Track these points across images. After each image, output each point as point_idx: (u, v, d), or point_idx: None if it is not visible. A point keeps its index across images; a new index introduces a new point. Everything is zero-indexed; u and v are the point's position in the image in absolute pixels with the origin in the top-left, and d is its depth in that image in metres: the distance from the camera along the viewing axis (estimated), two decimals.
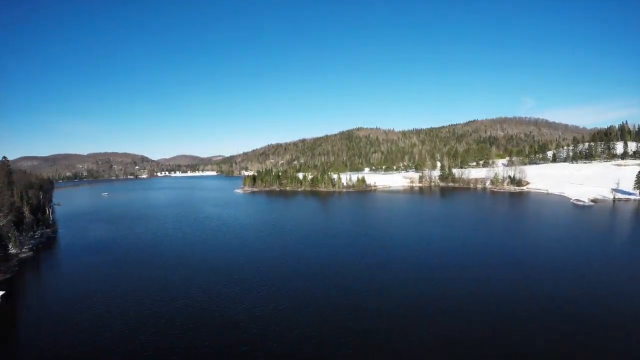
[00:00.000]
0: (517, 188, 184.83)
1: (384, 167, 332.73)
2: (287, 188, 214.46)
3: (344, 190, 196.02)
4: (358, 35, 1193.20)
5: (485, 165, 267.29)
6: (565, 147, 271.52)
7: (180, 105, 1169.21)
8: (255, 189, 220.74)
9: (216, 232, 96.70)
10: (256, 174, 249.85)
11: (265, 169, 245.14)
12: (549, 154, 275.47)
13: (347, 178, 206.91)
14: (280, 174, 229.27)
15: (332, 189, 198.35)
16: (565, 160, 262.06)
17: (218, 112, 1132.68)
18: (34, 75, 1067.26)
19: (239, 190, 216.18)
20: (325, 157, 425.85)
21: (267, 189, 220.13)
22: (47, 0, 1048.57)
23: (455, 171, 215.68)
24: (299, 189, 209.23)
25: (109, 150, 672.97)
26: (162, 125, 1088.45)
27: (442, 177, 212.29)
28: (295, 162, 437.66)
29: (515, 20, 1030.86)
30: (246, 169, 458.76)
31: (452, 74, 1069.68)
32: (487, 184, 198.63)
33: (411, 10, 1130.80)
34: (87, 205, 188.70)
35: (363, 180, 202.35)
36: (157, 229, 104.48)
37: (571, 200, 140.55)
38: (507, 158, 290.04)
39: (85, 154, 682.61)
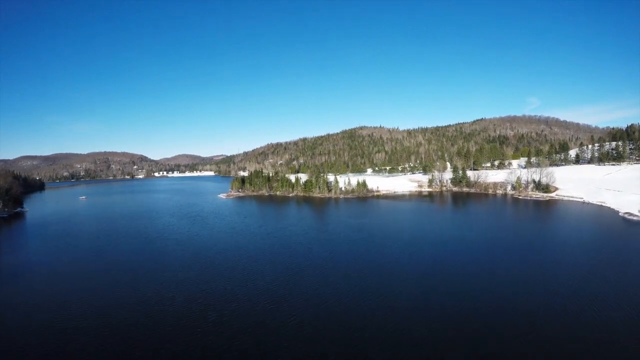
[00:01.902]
0: (545, 195, 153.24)
1: (388, 168, 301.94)
2: (278, 193, 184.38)
3: (341, 196, 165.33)
4: (361, 33, 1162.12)
5: (500, 166, 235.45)
6: (590, 147, 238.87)
7: (183, 105, 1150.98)
8: (241, 194, 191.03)
9: (152, 271, 67.18)
10: (246, 175, 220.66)
11: (256, 171, 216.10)
12: (572, 154, 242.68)
13: (345, 181, 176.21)
14: (270, 176, 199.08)
15: (327, 195, 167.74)
16: (589, 161, 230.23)
17: (220, 111, 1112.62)
18: (34, 75, 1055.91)
19: (223, 196, 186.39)
20: (326, 157, 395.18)
21: (255, 193, 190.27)
22: (47, 0, 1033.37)
23: (470, 174, 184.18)
24: (290, 194, 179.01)
25: (110, 150, 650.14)
26: (165, 125, 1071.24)
27: (455, 181, 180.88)
28: (295, 162, 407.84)
29: (520, 20, 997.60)
30: (244, 169, 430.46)
31: (456, 73, 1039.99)
32: (508, 190, 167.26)
33: (414, 8, 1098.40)
34: (54, 212, 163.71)
35: (364, 184, 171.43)
36: (90, 256, 76.64)
37: (620, 214, 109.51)
38: (525, 158, 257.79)
39: (85, 153, 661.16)
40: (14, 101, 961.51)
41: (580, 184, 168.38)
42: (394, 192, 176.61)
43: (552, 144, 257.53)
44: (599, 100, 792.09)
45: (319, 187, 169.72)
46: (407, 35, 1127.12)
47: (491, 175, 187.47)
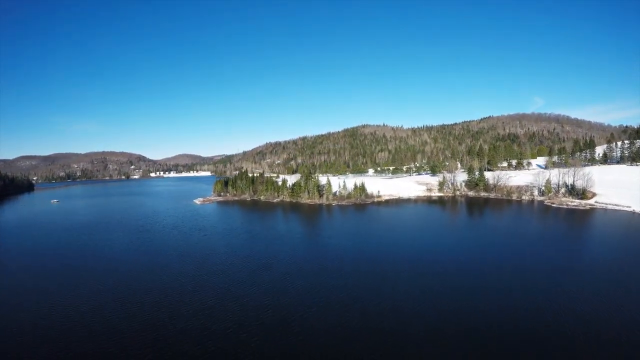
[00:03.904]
0: (583, 202, 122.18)
1: (391, 169, 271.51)
2: (262, 197, 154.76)
3: (334, 202, 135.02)
4: (363, 31, 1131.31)
5: (518, 167, 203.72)
6: (619, 144, 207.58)
7: (184, 104, 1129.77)
8: (220, 199, 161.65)
9: None
10: (232, 176, 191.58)
11: (240, 172, 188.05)
12: (598, 151, 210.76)
13: (340, 184, 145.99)
14: (254, 178, 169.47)
15: (318, 201, 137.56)
16: (619, 161, 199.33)
17: (222, 111, 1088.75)
18: (35, 75, 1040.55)
19: (198, 201, 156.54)
20: (326, 157, 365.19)
21: (236, 198, 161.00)
22: (48, 0, 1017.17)
23: (489, 175, 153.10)
24: (275, 200, 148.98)
25: (108, 150, 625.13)
26: (166, 125, 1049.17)
27: (471, 184, 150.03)
28: (293, 162, 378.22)
29: (524, 22, 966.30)
30: (240, 170, 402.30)
31: (460, 73, 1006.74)
32: (535, 195, 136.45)
33: (417, 7, 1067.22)
34: (13, 218, 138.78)
35: (362, 188, 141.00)
36: None
37: None
38: (544, 158, 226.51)
39: (83, 153, 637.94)
40: (15, 101, 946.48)
41: (618, 187, 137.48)
42: (398, 196, 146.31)
43: (577, 141, 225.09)
44: (602, 99, 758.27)
45: (309, 191, 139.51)
46: (410, 34, 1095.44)
47: (511, 177, 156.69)
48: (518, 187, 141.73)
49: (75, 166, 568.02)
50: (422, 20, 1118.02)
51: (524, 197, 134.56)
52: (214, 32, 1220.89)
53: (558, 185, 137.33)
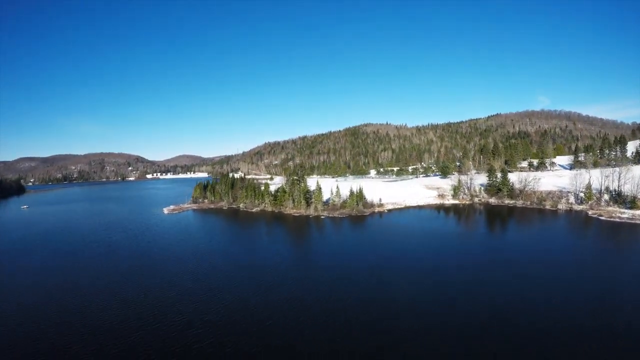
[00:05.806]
0: (638, 214, 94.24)
1: (395, 170, 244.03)
2: (241, 206, 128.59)
3: (324, 213, 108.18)
4: (365, 30, 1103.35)
5: (540, 167, 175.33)
6: None
7: (185, 105, 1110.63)
8: (195, 207, 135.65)
9: None
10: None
11: (222, 175, 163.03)
12: (629, 149, 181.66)
13: (334, 189, 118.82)
14: (234, 181, 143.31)
15: (305, 212, 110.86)
16: None
17: (223, 111, 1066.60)
18: (36, 76, 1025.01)
19: (167, 210, 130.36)
20: (325, 157, 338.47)
21: (213, 206, 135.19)
22: (48, 0, 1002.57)
23: (513, 179, 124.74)
24: (255, 209, 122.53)
25: (106, 151, 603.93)
26: (167, 125, 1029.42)
27: (492, 189, 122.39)
28: (291, 163, 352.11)
29: (527, 21, 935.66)
30: (237, 170, 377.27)
31: (463, 71, 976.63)
32: (572, 203, 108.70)
33: (419, 6, 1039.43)
34: None
35: (360, 195, 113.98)
36: None
37: None
38: (567, 157, 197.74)
39: (82, 154, 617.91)
40: (16, 102, 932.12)
41: None
42: (404, 204, 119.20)
43: (605, 138, 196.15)
44: (606, 98, 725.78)
45: (294, 199, 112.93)
46: (412, 33, 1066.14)
47: (544, 180, 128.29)
48: (550, 192, 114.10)
49: (73, 167, 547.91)
50: (424, 19, 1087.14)
51: (559, 207, 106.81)
52: (213, 33, 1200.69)
53: (600, 191, 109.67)
